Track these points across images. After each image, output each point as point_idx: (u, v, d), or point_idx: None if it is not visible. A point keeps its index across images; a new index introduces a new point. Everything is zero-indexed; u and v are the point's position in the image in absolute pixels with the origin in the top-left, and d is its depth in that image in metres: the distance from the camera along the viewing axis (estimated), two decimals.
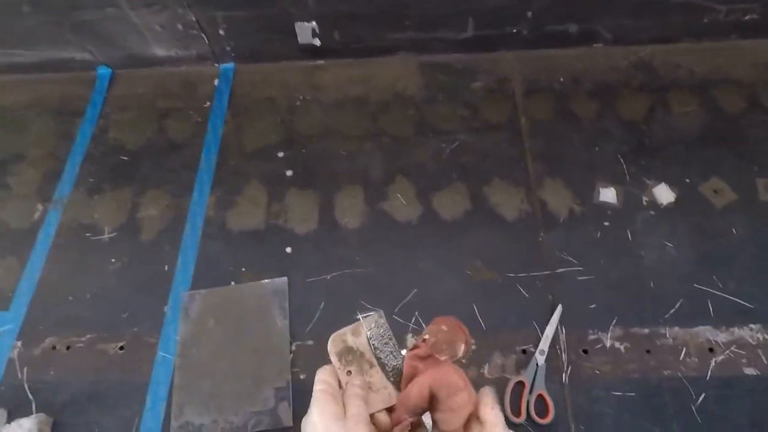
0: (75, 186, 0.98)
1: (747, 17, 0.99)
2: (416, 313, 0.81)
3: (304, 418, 0.41)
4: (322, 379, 0.43)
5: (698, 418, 0.71)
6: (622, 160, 0.92)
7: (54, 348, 0.82)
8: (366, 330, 0.46)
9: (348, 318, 0.81)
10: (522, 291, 0.82)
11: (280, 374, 0.78)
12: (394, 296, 0.82)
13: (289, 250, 0.88)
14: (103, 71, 1.11)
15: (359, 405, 0.41)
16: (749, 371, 0.74)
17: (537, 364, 0.75)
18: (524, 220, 0.88)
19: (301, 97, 1.05)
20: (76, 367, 0.80)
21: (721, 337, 0.77)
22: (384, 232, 0.88)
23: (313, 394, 0.41)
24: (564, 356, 0.76)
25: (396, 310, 0.81)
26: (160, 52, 1.06)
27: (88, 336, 0.83)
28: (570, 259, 0.84)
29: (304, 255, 0.87)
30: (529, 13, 0.97)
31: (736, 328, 0.77)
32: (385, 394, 0.44)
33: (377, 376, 0.46)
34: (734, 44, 1.04)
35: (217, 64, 1.10)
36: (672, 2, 0.95)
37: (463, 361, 0.42)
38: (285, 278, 0.85)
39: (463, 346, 0.43)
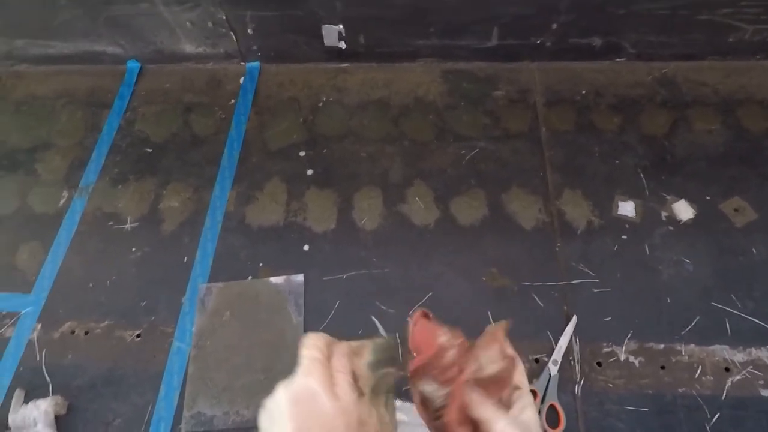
0: (100, 175, 1.00)
1: None
2: (430, 316, 0.81)
3: (282, 385, 0.35)
4: (316, 344, 0.37)
5: None
6: (642, 174, 0.92)
7: (73, 332, 0.84)
8: (370, 354, 0.39)
9: (362, 318, 0.82)
10: (537, 300, 0.82)
11: (292, 370, 0.78)
12: (409, 298, 0.83)
13: (306, 248, 0.89)
14: (133, 65, 1.13)
15: (346, 382, 0.35)
16: (766, 393, 0.73)
17: (550, 374, 0.75)
18: (541, 229, 0.88)
19: (325, 99, 1.06)
20: (94, 353, 0.82)
21: (738, 356, 0.76)
22: (401, 235, 0.89)
23: (300, 360, 0.36)
24: (577, 368, 0.76)
25: (410, 312, 0.81)
26: (189, 48, 1.09)
27: (106, 322, 0.84)
28: (586, 270, 0.84)
29: (321, 253, 0.88)
30: (554, 25, 0.98)
31: (753, 349, 0.76)
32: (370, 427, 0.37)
33: (364, 407, 0.38)
34: (760, 65, 1.04)
35: (243, 63, 1.12)
36: (697, 19, 0.95)
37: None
38: (301, 275, 0.86)
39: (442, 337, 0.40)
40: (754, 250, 0.84)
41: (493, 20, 0.98)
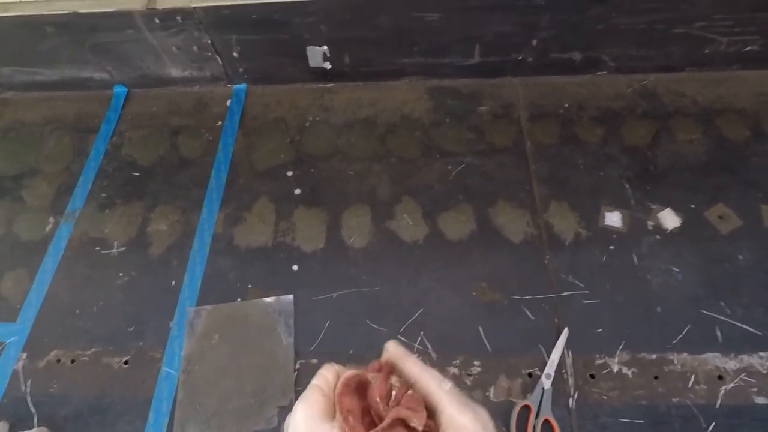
0: (87, 200, 0.99)
1: (748, 48, 1.02)
2: (422, 333, 0.80)
3: (288, 415, 0.37)
4: (322, 374, 0.39)
5: None
6: (627, 185, 0.93)
7: (59, 361, 0.82)
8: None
9: (354, 337, 0.81)
10: (528, 313, 0.81)
11: (283, 393, 0.77)
12: (400, 316, 0.82)
13: (295, 267, 0.88)
14: (119, 90, 1.14)
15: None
16: (760, 400, 0.72)
17: (543, 389, 0.74)
18: (530, 242, 0.89)
19: (311, 118, 1.07)
20: (80, 381, 0.80)
21: (731, 364, 0.76)
22: (390, 252, 0.89)
23: (307, 387, 0.38)
24: (571, 381, 0.75)
25: (402, 329, 0.81)
26: (175, 72, 1.10)
27: (93, 349, 0.83)
28: (576, 282, 0.84)
29: (310, 273, 0.88)
30: (534, 41, 1.00)
31: (745, 356, 0.76)
32: None
33: None
34: (736, 75, 1.06)
35: (229, 85, 1.13)
36: (673, 32, 0.98)
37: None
38: (291, 296, 0.85)
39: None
40: (740, 257, 0.85)
41: (475, 38, 1.00)
